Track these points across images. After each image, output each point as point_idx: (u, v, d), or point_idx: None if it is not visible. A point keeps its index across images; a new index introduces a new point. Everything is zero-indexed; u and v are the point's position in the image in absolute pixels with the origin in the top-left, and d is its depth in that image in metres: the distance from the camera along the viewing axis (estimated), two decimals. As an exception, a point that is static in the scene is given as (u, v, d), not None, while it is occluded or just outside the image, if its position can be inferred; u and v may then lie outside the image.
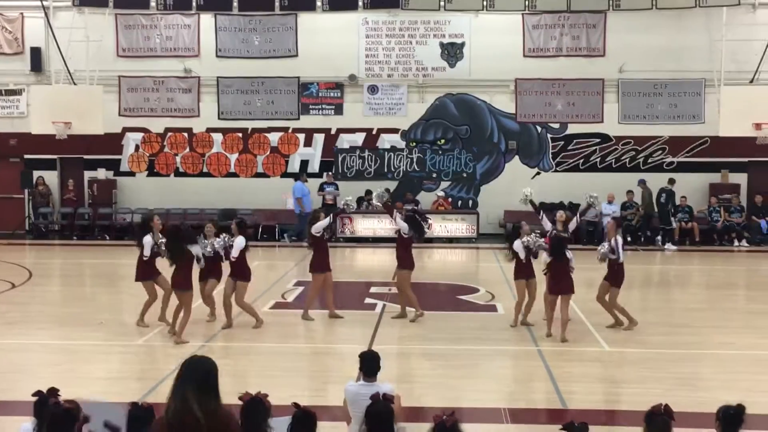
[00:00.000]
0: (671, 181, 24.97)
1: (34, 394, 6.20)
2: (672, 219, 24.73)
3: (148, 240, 13.36)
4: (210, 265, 13.35)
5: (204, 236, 13.43)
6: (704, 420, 7.95)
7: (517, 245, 13.47)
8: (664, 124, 26.01)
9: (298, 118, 26.62)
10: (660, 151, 26.19)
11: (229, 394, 10.09)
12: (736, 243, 24.70)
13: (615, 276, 13.12)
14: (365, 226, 25.23)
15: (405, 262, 14.01)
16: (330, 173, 25.90)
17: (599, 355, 12.03)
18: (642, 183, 24.99)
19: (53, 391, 6.22)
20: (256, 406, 5.86)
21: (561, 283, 12.74)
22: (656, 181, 25.32)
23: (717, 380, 10.71)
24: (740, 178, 26.14)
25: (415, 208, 14.24)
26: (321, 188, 25.51)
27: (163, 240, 13.03)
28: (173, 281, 12.68)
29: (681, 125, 25.90)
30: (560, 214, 14.34)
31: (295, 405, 6.09)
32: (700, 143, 25.95)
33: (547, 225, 14.07)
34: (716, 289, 18.53)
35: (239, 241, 13.12)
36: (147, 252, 13.36)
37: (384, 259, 21.32)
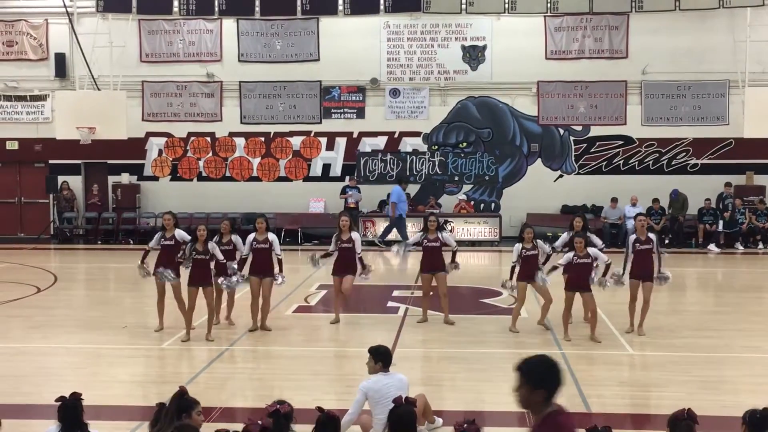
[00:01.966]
0: (728, 185, 25.12)
1: (57, 400, 6.27)
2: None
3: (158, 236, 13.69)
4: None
5: (220, 235, 13.57)
6: (729, 424, 7.91)
7: (516, 248, 13.39)
8: (687, 126, 25.88)
9: (320, 122, 26.70)
10: (684, 153, 26.04)
11: (253, 398, 10.18)
12: (760, 246, 24.52)
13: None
14: (387, 229, 25.20)
15: (444, 264, 14.08)
16: (353, 177, 25.95)
17: (623, 358, 11.97)
18: (675, 193, 24.91)
19: (76, 396, 6.30)
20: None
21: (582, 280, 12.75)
22: (681, 183, 25.25)
23: (742, 384, 10.63)
24: (765, 180, 25.93)
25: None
26: (343, 191, 25.58)
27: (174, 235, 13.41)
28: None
29: (705, 127, 25.76)
30: (578, 221, 14.21)
31: (319, 409, 6.12)
32: (724, 145, 25.78)
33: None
34: (741, 292, 18.37)
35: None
36: (153, 243, 13.67)
37: (406, 263, 21.30)
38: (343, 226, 13.95)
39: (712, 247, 24.22)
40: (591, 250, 12.80)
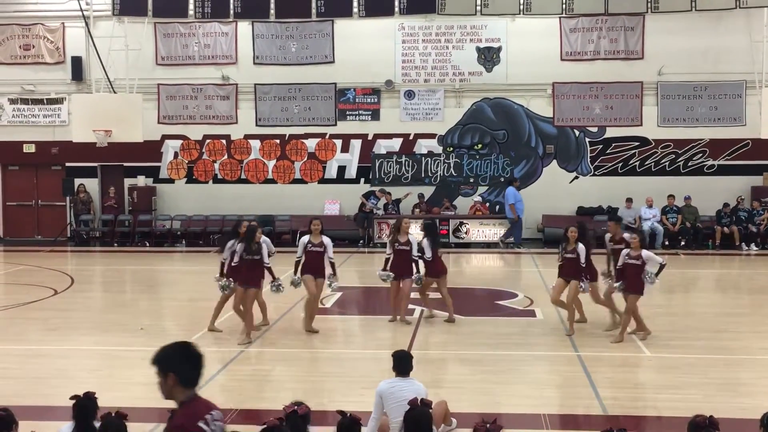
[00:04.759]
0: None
1: (71, 398, 6.33)
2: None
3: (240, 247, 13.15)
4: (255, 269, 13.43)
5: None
6: (747, 426, 7.87)
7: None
8: (704, 127, 25.77)
9: (335, 124, 26.74)
10: (700, 154, 25.93)
11: (269, 399, 10.17)
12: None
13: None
14: (403, 231, 25.17)
15: (443, 267, 14.27)
16: (383, 191, 25.95)
17: (639, 360, 11.91)
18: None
19: (89, 395, 6.37)
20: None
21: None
22: (698, 185, 25.17)
23: (759, 386, 10.55)
24: (783, 181, 25.81)
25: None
26: (367, 197, 25.69)
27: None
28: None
29: (721, 128, 25.65)
30: (572, 231, 14.20)
31: (341, 412, 6.10)
32: (741, 145, 25.66)
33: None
34: (757, 293, 18.26)
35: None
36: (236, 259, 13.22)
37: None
38: (405, 227, 13.96)
39: (752, 246, 24.28)
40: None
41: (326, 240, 13.34)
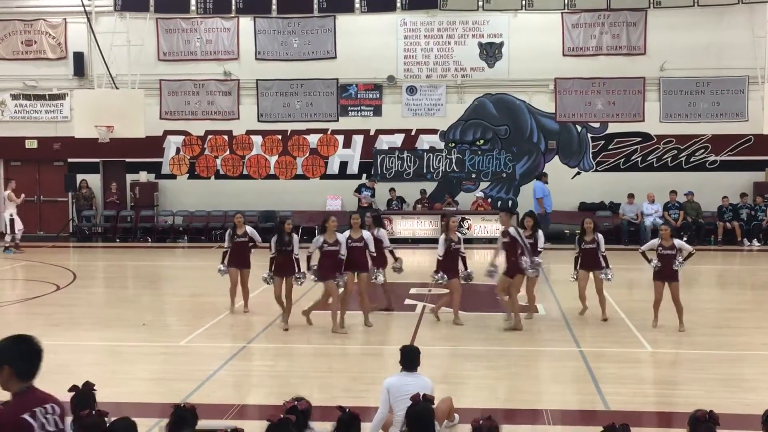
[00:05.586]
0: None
1: (70, 390, 6.32)
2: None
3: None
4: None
5: (234, 228, 14.48)
6: (749, 422, 7.86)
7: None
8: (706, 123, 25.72)
9: (337, 120, 26.72)
10: (702, 150, 25.89)
11: (272, 395, 10.17)
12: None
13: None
14: (404, 227, 25.20)
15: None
16: (373, 179, 25.96)
17: (641, 355, 11.91)
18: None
19: (89, 386, 6.37)
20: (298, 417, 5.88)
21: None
22: (700, 180, 25.13)
23: (762, 381, 10.55)
24: (785, 176, 25.77)
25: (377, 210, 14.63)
26: (359, 191, 25.62)
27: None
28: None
29: (724, 123, 25.60)
30: (588, 221, 14.29)
31: (340, 408, 6.10)
32: (743, 141, 25.62)
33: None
34: (760, 289, 18.26)
35: (383, 233, 14.34)
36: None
37: (423, 260, 21.30)
38: (453, 225, 14.01)
39: (754, 242, 24.23)
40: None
41: (366, 234, 13.58)
